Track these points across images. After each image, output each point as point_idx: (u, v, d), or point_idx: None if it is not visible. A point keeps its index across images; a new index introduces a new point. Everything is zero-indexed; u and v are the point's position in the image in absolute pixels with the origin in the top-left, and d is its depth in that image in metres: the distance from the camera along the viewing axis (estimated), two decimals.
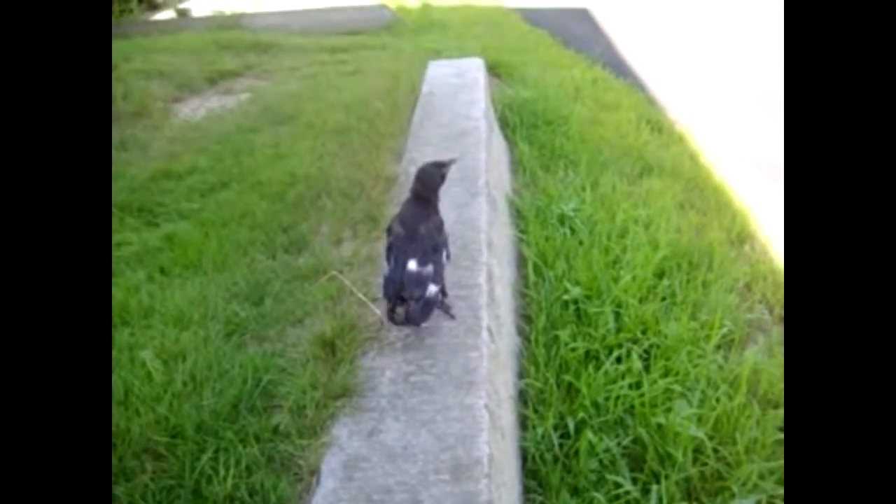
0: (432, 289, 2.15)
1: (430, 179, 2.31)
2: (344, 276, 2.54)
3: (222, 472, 1.90)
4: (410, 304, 2.11)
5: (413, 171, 3.38)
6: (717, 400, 2.53)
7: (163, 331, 2.52)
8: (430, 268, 2.15)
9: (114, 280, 3.05)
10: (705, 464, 2.35)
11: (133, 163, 4.46)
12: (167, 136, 4.96)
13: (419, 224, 2.21)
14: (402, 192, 3.20)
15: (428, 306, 2.15)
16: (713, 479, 2.32)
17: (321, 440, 1.90)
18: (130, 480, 1.97)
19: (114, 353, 2.48)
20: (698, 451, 2.37)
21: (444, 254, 2.26)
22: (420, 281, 2.12)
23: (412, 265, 2.13)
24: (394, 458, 1.81)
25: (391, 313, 2.17)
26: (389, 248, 2.23)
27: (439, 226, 2.27)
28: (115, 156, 4.60)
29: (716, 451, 2.37)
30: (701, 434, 2.38)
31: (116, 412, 2.17)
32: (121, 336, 2.57)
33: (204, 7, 11.72)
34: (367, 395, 2.01)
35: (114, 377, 2.32)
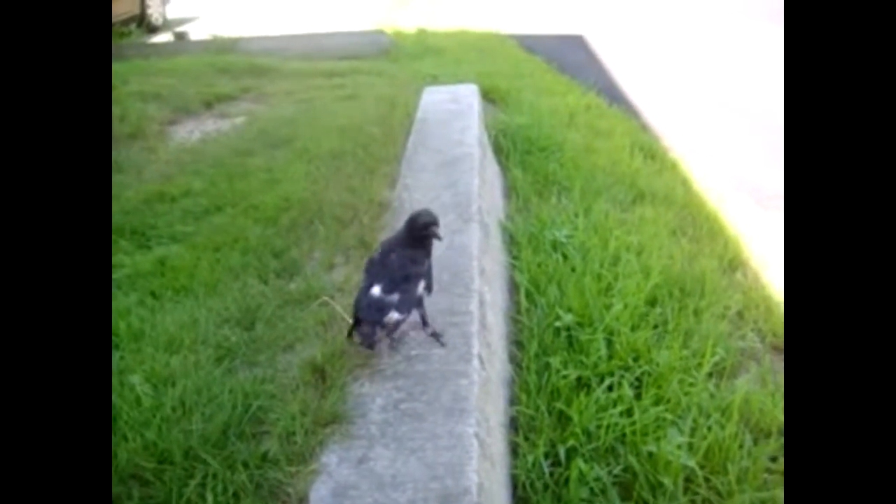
0: (394, 315, 2.21)
1: (413, 227, 2.32)
2: (335, 302, 2.54)
3: (210, 498, 1.89)
4: (363, 326, 2.20)
5: (406, 197, 3.40)
6: (709, 429, 2.52)
7: (153, 355, 2.51)
8: (394, 296, 2.21)
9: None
10: (696, 493, 2.34)
11: (127, 185, 4.45)
12: (162, 159, 4.96)
13: (392, 253, 2.30)
14: (395, 217, 3.22)
15: (379, 332, 2.23)
16: None
17: (310, 467, 1.89)
18: None
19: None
20: (689, 480, 2.36)
21: (420, 285, 2.30)
22: (379, 307, 2.20)
23: (375, 290, 2.22)
24: (383, 486, 1.80)
25: (349, 334, 2.30)
26: (364, 272, 2.35)
27: (416, 258, 2.30)
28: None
29: (707, 480, 2.36)
30: (692, 463, 2.37)
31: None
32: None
33: (202, 31, 11.81)
34: (356, 422, 2.00)
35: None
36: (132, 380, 2.37)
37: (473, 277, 2.62)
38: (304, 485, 1.85)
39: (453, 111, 4.77)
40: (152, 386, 2.35)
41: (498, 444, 2.20)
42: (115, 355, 2.59)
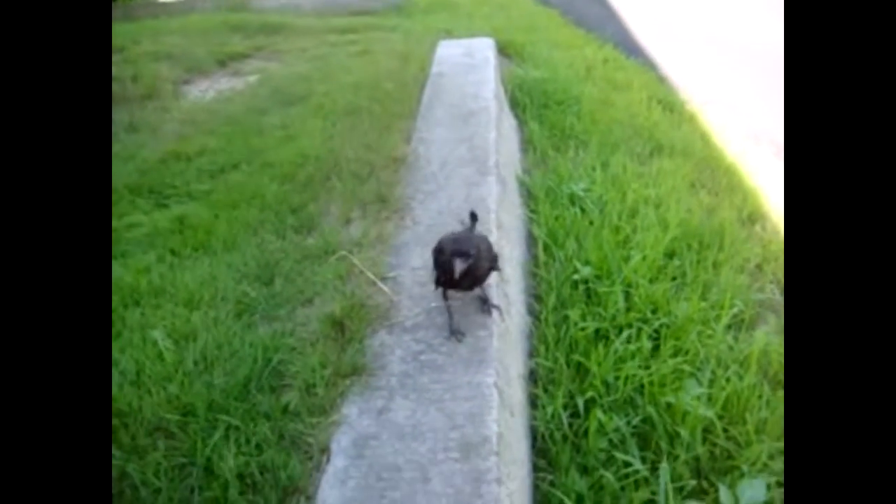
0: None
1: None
2: (353, 256, 2.54)
3: (233, 449, 1.92)
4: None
5: (422, 151, 3.39)
6: (727, 380, 2.52)
7: (173, 311, 2.53)
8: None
9: (124, 261, 3.07)
10: (714, 443, 2.34)
11: (143, 145, 4.46)
12: (176, 118, 4.95)
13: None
14: (412, 172, 3.20)
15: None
16: (722, 459, 2.31)
17: (331, 418, 1.91)
18: (143, 458, 1.98)
19: (125, 333, 2.50)
20: (707, 430, 2.37)
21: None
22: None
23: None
24: (403, 436, 1.82)
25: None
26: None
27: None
28: (125, 138, 4.60)
29: (725, 430, 2.36)
30: (710, 414, 2.37)
31: (128, 391, 2.19)
32: (132, 316, 2.59)
33: None
34: (376, 373, 2.02)
35: (125, 357, 2.34)
36: (154, 335, 2.40)
37: (491, 230, 2.62)
38: (325, 435, 1.87)
39: (468, 65, 4.72)
40: (174, 341, 2.37)
41: (517, 395, 2.21)
42: (137, 312, 2.62)
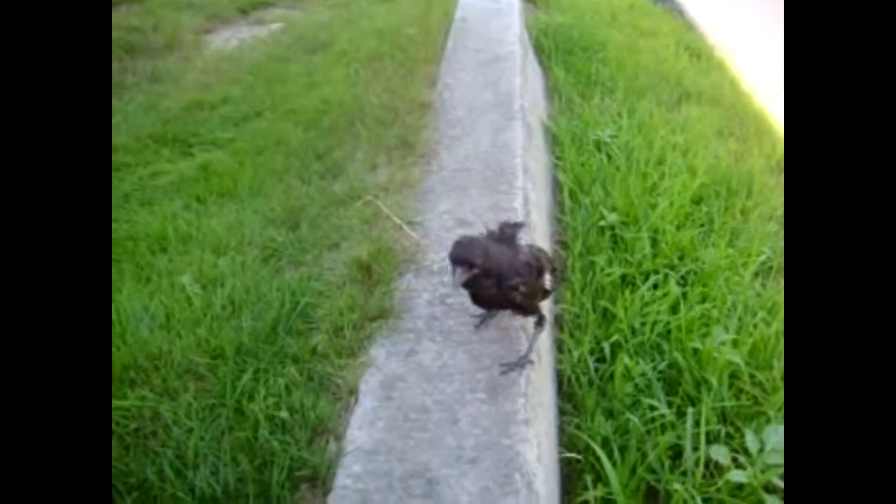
0: None
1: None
2: (380, 201, 2.54)
3: (262, 391, 1.94)
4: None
5: (448, 96, 3.35)
6: (755, 326, 2.50)
7: (201, 257, 2.55)
8: None
9: (150, 209, 3.09)
10: (741, 389, 2.34)
11: (166, 94, 4.45)
12: (199, 68, 4.93)
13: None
14: (437, 117, 3.18)
15: None
16: (749, 405, 2.31)
17: (359, 360, 1.93)
18: (174, 399, 2.01)
19: (153, 278, 2.52)
20: (734, 376, 2.36)
21: None
22: None
23: None
24: (431, 377, 1.83)
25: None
26: None
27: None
28: (148, 88, 4.60)
29: (752, 376, 2.36)
30: (737, 359, 2.36)
31: (158, 335, 2.21)
32: (160, 263, 2.61)
33: None
34: (403, 316, 2.03)
35: (154, 302, 2.36)
36: (182, 280, 2.42)
37: (517, 175, 2.60)
38: (353, 377, 1.89)
39: (493, 10, 4.64)
40: (202, 286, 2.39)
41: (545, 340, 2.21)
42: (164, 258, 2.64)
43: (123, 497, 1.80)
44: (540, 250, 1.99)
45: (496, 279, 1.78)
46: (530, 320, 1.99)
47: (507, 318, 2.03)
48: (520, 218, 2.36)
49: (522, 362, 1.87)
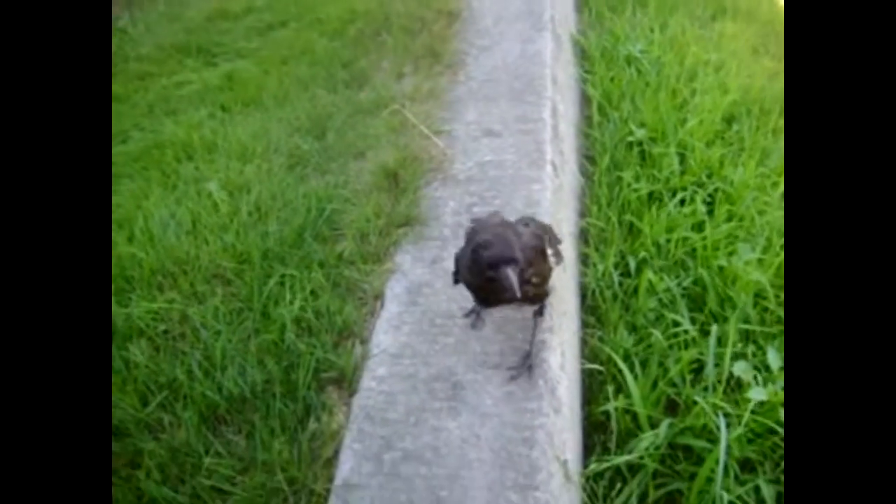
0: None
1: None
2: (406, 111, 2.51)
3: (289, 296, 1.96)
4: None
5: (476, 5, 3.27)
6: (781, 246, 2.48)
7: (227, 164, 2.55)
8: None
9: (175, 118, 3.08)
10: (766, 308, 2.33)
11: (188, 4, 4.39)
12: None
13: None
14: (465, 26, 3.11)
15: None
16: (772, 323, 2.30)
17: (385, 266, 1.93)
18: (202, 303, 2.04)
19: (180, 185, 2.53)
20: (759, 295, 2.35)
21: None
22: None
23: None
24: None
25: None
26: None
27: None
28: None
29: (777, 296, 2.34)
30: (763, 279, 2.34)
31: (185, 241, 2.23)
32: (186, 170, 2.62)
33: None
34: (430, 224, 2.02)
35: (181, 208, 2.37)
36: (209, 187, 2.42)
37: (546, 86, 2.55)
38: (379, 282, 1.90)
39: None
40: (228, 193, 2.40)
41: (569, 251, 2.21)
42: (191, 166, 2.64)
43: (154, 394, 1.84)
44: (538, 225, 1.79)
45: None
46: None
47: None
48: (547, 128, 2.32)
49: (528, 363, 1.70)
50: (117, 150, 2.91)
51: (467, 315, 1.78)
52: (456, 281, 1.68)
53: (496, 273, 1.46)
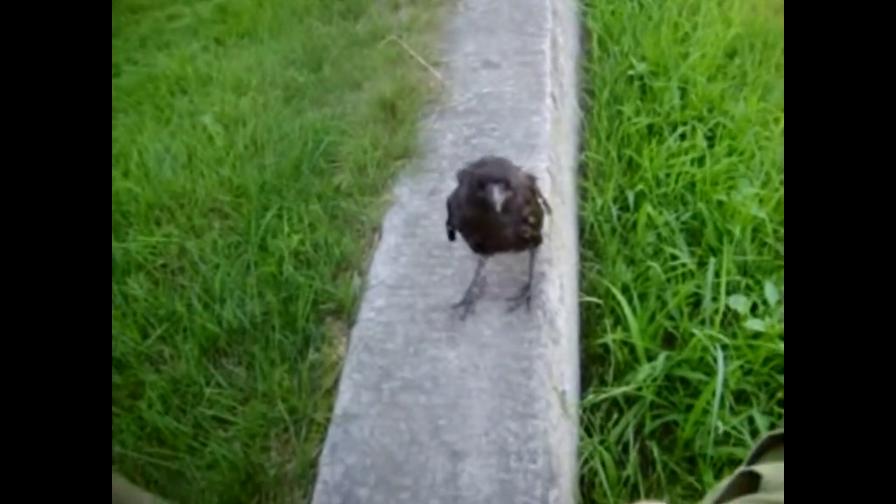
0: None
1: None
2: (403, 42, 2.46)
3: (286, 228, 1.95)
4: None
5: None
6: (781, 182, 2.46)
7: (221, 97, 2.52)
8: None
9: (169, 51, 3.03)
10: (764, 242, 2.33)
11: None
12: None
13: None
14: None
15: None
16: (770, 258, 2.30)
17: (382, 198, 1.92)
18: (200, 237, 2.04)
19: (174, 119, 2.50)
20: (757, 230, 2.35)
21: None
22: None
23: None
24: None
25: None
26: None
27: None
28: None
29: (775, 231, 2.34)
30: (762, 214, 2.34)
31: (182, 175, 2.21)
32: (180, 104, 2.59)
33: None
34: (427, 156, 2.00)
35: (176, 142, 2.35)
36: (204, 120, 2.40)
37: (546, 17, 2.50)
38: (377, 214, 1.89)
39: None
40: (223, 126, 2.37)
41: (567, 185, 2.20)
42: (185, 99, 2.60)
43: (154, 327, 1.85)
44: (527, 175, 1.66)
45: (514, 212, 1.53)
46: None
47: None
48: (547, 60, 2.29)
49: (527, 294, 1.68)
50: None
51: (457, 307, 1.67)
52: (451, 235, 1.66)
53: (484, 191, 1.43)
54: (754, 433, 1.85)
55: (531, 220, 1.58)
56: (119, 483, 1.40)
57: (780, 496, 0.79)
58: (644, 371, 1.90)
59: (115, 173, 2.28)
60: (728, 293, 2.12)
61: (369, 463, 1.44)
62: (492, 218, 1.47)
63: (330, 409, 1.56)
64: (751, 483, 0.85)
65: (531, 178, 1.65)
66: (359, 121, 2.21)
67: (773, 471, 0.86)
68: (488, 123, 2.07)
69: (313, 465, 1.52)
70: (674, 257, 2.24)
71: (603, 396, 1.86)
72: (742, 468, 0.90)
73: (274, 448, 1.58)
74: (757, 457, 0.94)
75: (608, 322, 2.04)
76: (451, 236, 1.65)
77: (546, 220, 1.70)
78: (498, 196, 1.42)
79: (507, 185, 1.45)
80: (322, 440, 1.52)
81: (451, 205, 1.62)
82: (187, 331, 1.81)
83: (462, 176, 1.61)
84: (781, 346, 1.97)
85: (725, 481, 0.93)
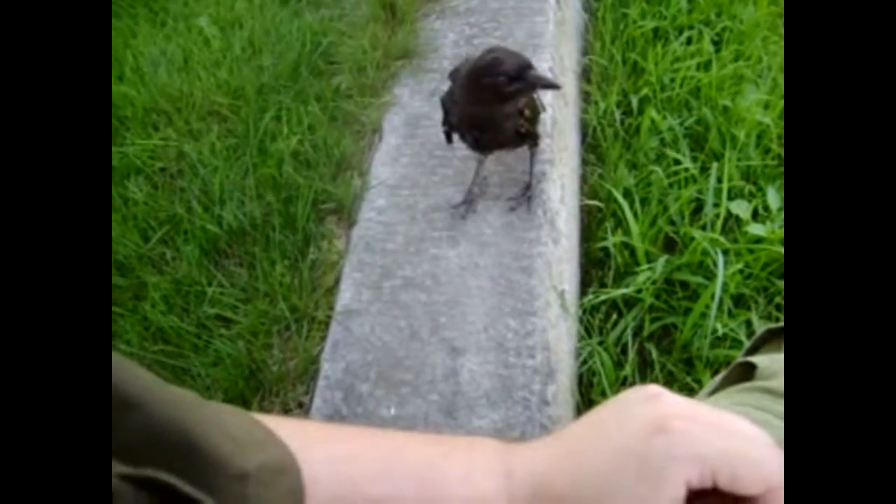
0: None
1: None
2: None
3: (285, 130, 1.93)
4: None
5: None
6: None
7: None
8: None
9: None
10: (768, 148, 2.30)
11: None
12: None
13: None
14: None
15: None
16: (774, 165, 2.28)
17: (382, 99, 1.89)
18: (198, 140, 2.02)
19: (169, 22, 2.45)
20: (762, 136, 2.32)
21: None
22: None
23: None
24: None
25: None
26: None
27: None
28: None
29: (780, 137, 2.31)
30: (767, 120, 2.31)
31: (178, 78, 2.18)
32: (174, 7, 2.52)
33: None
34: (428, 56, 1.97)
35: (172, 45, 2.30)
36: (199, 22, 2.35)
37: None
38: (377, 115, 1.87)
39: None
40: (219, 28, 2.32)
41: (571, 89, 2.16)
42: (178, 1, 2.54)
43: (154, 230, 1.85)
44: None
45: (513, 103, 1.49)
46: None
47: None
48: None
49: (528, 194, 1.67)
50: None
51: (457, 206, 1.66)
52: (448, 136, 1.64)
53: (492, 78, 1.40)
54: (751, 336, 1.86)
55: (527, 112, 1.55)
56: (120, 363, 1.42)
57: (775, 383, 0.80)
58: (644, 274, 1.91)
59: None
60: (730, 198, 2.11)
61: (370, 359, 1.46)
62: (495, 110, 1.45)
63: (331, 307, 1.58)
64: (747, 373, 0.86)
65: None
66: (358, 21, 2.16)
67: (768, 361, 0.86)
68: (490, 23, 2.03)
69: (315, 361, 1.54)
70: (677, 162, 2.22)
71: (602, 298, 1.87)
72: (738, 359, 0.91)
73: (276, 345, 1.60)
74: (753, 350, 0.95)
75: (609, 226, 2.04)
76: (449, 138, 1.64)
77: (544, 118, 1.68)
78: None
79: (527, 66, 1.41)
80: (323, 338, 1.54)
81: (446, 103, 1.59)
82: (188, 233, 1.82)
83: (454, 75, 1.60)
84: (782, 250, 1.98)
85: (722, 374, 0.94)
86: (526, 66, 1.41)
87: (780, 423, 0.69)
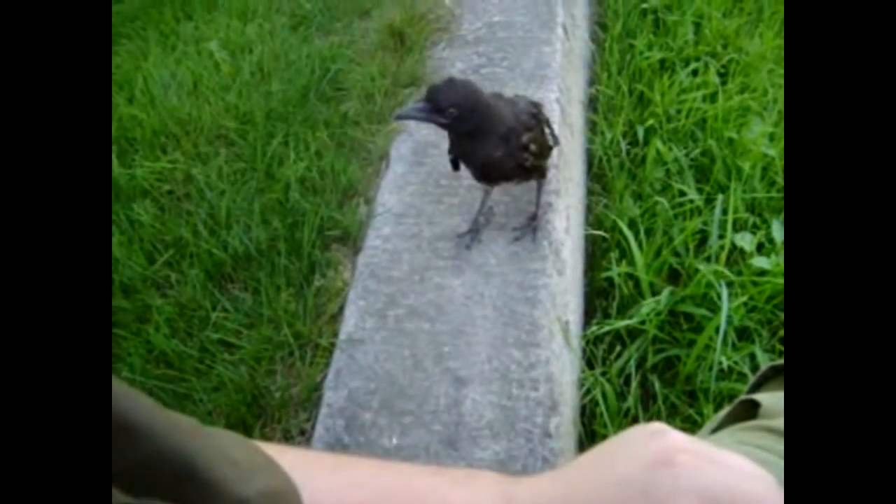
0: None
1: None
2: None
3: (293, 155, 1.94)
4: None
5: None
6: None
7: (227, 24, 2.48)
8: None
9: None
10: (773, 181, 2.31)
11: None
12: None
13: None
14: None
15: None
16: (779, 197, 2.29)
17: (390, 126, 1.90)
18: (206, 163, 2.03)
19: (179, 46, 2.47)
20: (767, 168, 2.33)
21: None
22: None
23: None
24: None
25: None
26: None
27: None
28: None
29: None
30: (772, 152, 2.32)
31: (187, 101, 2.19)
32: (185, 30, 2.55)
33: None
34: None
35: (182, 69, 2.32)
36: (210, 47, 2.37)
37: None
38: (384, 142, 1.87)
39: None
40: (229, 53, 2.34)
41: (577, 118, 2.17)
42: (190, 25, 2.57)
43: (160, 253, 1.85)
44: (530, 102, 1.64)
45: (505, 138, 1.49)
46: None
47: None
48: None
49: (533, 224, 1.67)
50: (113, 9, 2.82)
51: (462, 236, 1.66)
52: (454, 164, 1.64)
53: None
54: (755, 370, 1.86)
55: (532, 148, 1.53)
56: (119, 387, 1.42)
57: (778, 423, 0.80)
58: (648, 305, 1.91)
59: (120, 100, 2.26)
60: (735, 231, 2.11)
61: (373, 387, 1.45)
62: (466, 144, 1.49)
63: (335, 334, 1.57)
64: (750, 411, 0.86)
65: (536, 106, 1.63)
66: (367, 49, 2.18)
67: (772, 399, 0.86)
68: (498, 53, 2.04)
69: (318, 388, 1.53)
70: (682, 193, 2.22)
71: (606, 329, 1.86)
72: (742, 397, 0.91)
73: (279, 371, 1.59)
74: (757, 387, 0.94)
75: (613, 256, 2.04)
76: (455, 166, 1.64)
77: (554, 151, 1.69)
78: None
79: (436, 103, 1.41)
80: (327, 365, 1.54)
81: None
82: (193, 256, 1.82)
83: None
84: None
85: (725, 410, 0.93)
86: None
87: (783, 464, 0.69)
